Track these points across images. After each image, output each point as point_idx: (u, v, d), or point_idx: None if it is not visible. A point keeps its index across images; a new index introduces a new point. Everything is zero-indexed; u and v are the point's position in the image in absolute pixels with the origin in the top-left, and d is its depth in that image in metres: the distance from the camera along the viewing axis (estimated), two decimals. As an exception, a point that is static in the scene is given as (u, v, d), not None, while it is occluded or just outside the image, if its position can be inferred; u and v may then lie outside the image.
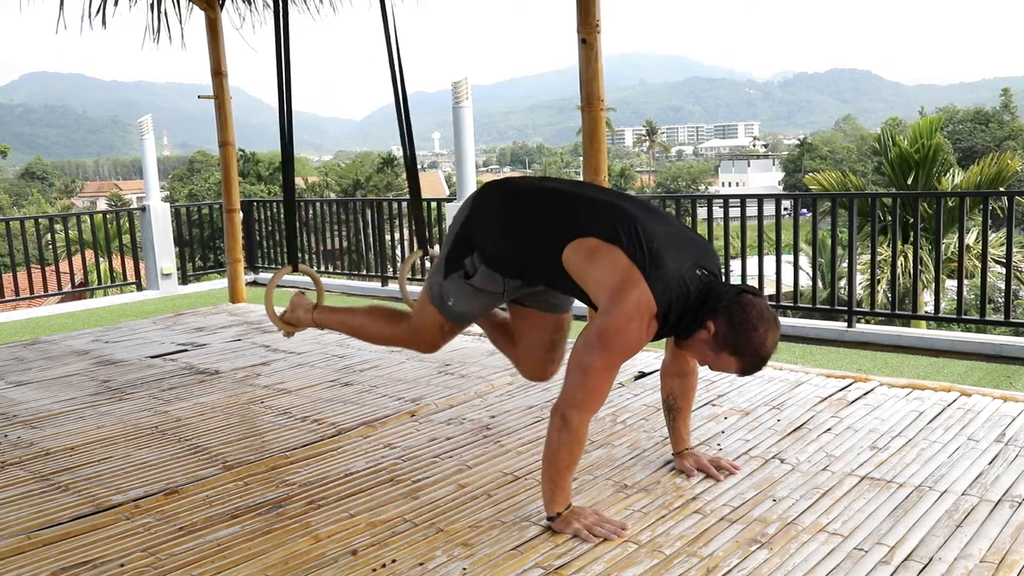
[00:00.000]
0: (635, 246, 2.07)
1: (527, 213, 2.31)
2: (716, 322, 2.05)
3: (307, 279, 3.22)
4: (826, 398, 3.21)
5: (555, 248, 2.17)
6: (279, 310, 2.94)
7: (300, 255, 8.47)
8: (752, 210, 5.86)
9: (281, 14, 3.07)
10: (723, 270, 2.30)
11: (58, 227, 11.78)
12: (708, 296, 2.07)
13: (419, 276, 7.49)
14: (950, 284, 10.36)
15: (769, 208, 6.36)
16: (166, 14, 5.85)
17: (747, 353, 2.06)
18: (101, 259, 8.87)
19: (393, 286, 7.52)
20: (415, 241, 3.19)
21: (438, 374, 3.77)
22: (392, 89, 3.32)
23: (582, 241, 2.14)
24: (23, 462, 2.90)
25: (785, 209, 6.52)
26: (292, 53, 3.07)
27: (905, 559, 1.97)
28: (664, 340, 2.36)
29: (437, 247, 7.26)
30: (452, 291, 2.41)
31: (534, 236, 2.26)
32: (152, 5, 5.82)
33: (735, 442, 2.80)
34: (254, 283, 8.23)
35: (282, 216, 8.55)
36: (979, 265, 7.90)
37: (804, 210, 8.03)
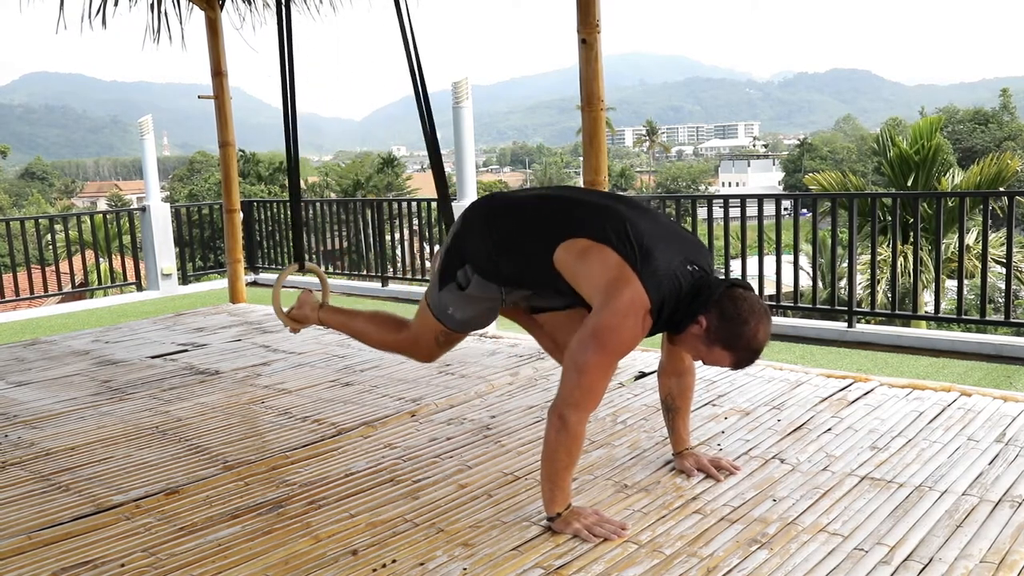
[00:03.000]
0: (625, 244, 2.08)
1: (516, 221, 2.34)
2: (707, 316, 2.06)
3: (313, 278, 3.24)
4: (826, 398, 3.21)
5: (546, 251, 2.19)
6: (286, 307, 2.96)
7: (304, 255, 8.52)
8: (752, 210, 5.86)
9: (284, 15, 3.08)
10: (716, 267, 2.32)
11: (58, 227, 11.77)
12: (699, 291, 2.08)
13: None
14: (950, 284, 10.36)
15: (769, 208, 6.36)
16: (166, 14, 5.85)
17: (739, 347, 2.07)
18: (101, 259, 8.87)
19: (393, 286, 7.52)
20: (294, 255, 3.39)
21: (438, 374, 3.77)
22: (412, 85, 3.33)
23: (572, 242, 2.15)
24: (24, 462, 2.90)
25: (785, 209, 6.52)
26: (294, 52, 3.10)
27: (905, 559, 1.97)
28: (660, 340, 2.37)
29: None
30: (449, 301, 2.44)
31: (524, 242, 2.28)
32: (152, 5, 5.82)
33: (735, 442, 2.80)
34: (254, 283, 8.23)
35: (282, 216, 8.56)
36: (979, 265, 7.90)
37: (804, 210, 8.03)
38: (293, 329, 2.97)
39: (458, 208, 6.52)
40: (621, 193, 3.28)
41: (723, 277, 2.20)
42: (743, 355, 2.09)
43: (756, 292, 2.15)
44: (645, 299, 2.04)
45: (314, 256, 8.57)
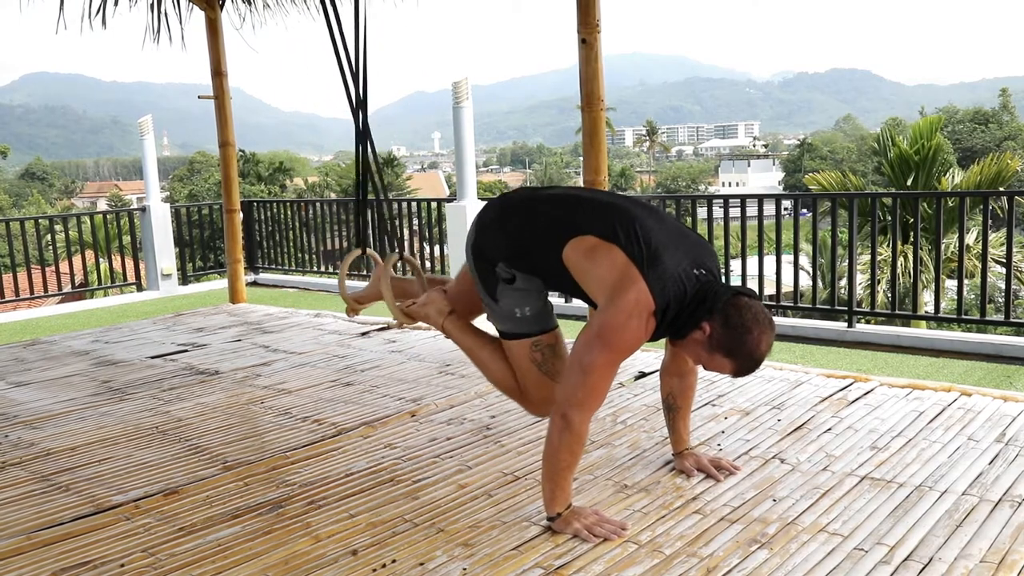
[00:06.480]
0: (633, 244, 2.07)
1: (527, 218, 2.32)
2: (711, 323, 2.06)
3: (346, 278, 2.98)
4: (826, 398, 3.21)
5: (556, 247, 2.18)
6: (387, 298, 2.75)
7: (304, 255, 8.54)
8: (752, 210, 5.86)
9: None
10: (722, 270, 2.30)
11: (58, 228, 11.77)
12: (704, 297, 2.07)
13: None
14: (950, 284, 10.36)
15: (769, 208, 6.36)
16: (166, 14, 5.85)
17: (741, 355, 2.07)
18: (101, 259, 8.87)
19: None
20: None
21: (438, 374, 3.77)
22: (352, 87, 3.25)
23: (581, 239, 2.15)
24: (24, 462, 2.90)
25: (785, 209, 6.52)
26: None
27: (905, 559, 1.97)
28: (663, 340, 2.37)
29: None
30: (512, 302, 2.31)
31: (536, 239, 2.26)
32: (152, 5, 5.82)
33: (735, 442, 2.80)
34: (254, 283, 8.23)
35: (283, 216, 8.57)
36: (979, 265, 7.90)
37: (804, 210, 8.03)
38: (401, 324, 2.72)
39: (456, 208, 6.52)
40: (630, 194, 3.25)
41: (729, 284, 2.19)
42: (744, 364, 2.09)
43: (760, 300, 2.15)
44: (650, 301, 2.04)
45: (314, 256, 8.58)
